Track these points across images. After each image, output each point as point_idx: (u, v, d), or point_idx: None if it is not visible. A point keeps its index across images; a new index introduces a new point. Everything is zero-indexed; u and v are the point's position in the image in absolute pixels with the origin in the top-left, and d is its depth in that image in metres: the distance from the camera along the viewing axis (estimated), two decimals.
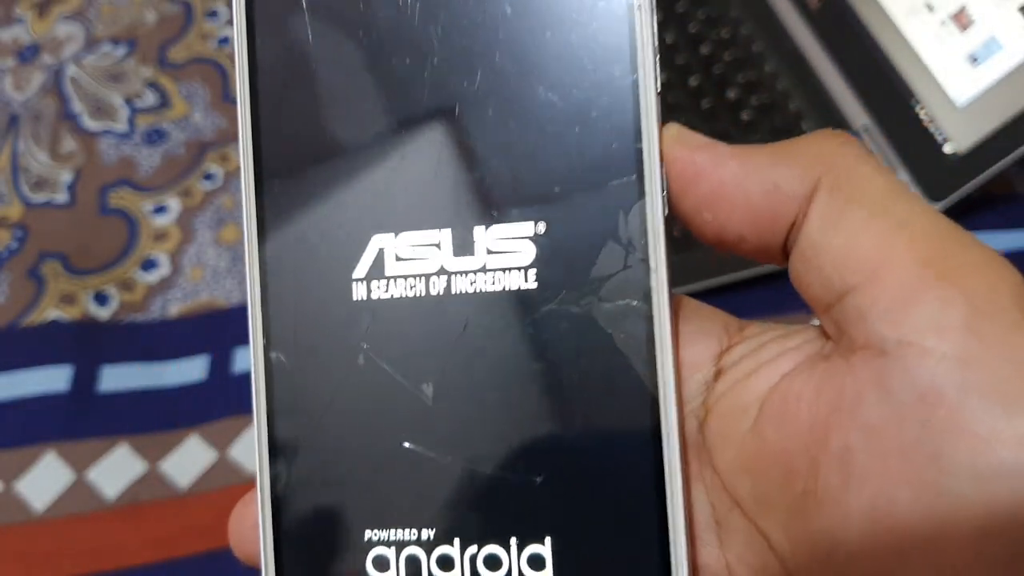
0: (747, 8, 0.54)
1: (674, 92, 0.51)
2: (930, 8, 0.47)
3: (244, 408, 0.44)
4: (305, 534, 0.20)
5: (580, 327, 0.19)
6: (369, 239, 0.20)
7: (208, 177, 0.53)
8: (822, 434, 0.17)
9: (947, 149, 0.46)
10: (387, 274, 0.20)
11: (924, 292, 0.16)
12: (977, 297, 0.16)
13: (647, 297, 0.19)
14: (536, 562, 0.19)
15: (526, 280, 0.19)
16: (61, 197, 0.52)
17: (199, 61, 0.57)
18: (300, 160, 0.20)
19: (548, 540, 0.19)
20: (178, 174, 0.53)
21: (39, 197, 0.53)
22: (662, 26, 0.53)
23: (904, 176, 0.47)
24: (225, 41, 0.58)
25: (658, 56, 0.19)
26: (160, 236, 0.51)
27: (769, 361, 0.19)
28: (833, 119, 0.49)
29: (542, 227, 0.19)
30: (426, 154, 0.20)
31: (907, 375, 0.16)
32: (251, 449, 0.43)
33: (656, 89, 0.19)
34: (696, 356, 0.19)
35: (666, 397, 0.19)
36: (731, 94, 0.51)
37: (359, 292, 0.20)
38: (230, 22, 0.59)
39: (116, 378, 0.46)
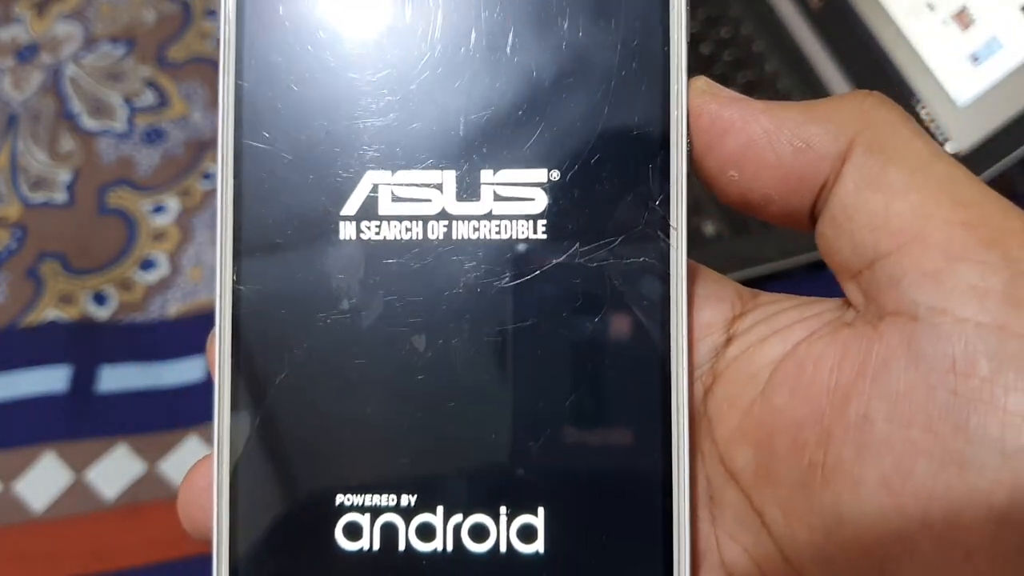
0: (748, 8, 0.54)
1: None
2: (931, 7, 0.47)
3: None
4: (266, 497, 0.18)
5: (591, 284, 0.18)
6: (362, 175, 0.18)
7: (207, 177, 0.53)
8: (840, 402, 0.16)
9: (948, 149, 0.45)
10: (381, 214, 0.18)
11: (965, 256, 0.15)
12: (1021, 264, 0.15)
13: (664, 257, 0.18)
14: (527, 534, 0.18)
15: (535, 231, 0.18)
16: (60, 197, 0.52)
17: (198, 60, 0.57)
18: (288, 76, 0.18)
19: (541, 510, 0.18)
20: (177, 174, 0.53)
21: (38, 197, 0.52)
22: None
23: None
24: None
25: (688, 5, 0.18)
26: (159, 236, 0.51)
27: (784, 328, 0.18)
28: None
29: (556, 175, 0.18)
30: (434, 88, 0.18)
31: (940, 342, 0.15)
32: None
33: (685, 39, 0.18)
34: (707, 320, 0.19)
35: (678, 362, 0.18)
36: None
37: (347, 231, 0.18)
38: None
39: (115, 378, 0.46)
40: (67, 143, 0.54)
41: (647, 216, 0.18)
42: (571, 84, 0.18)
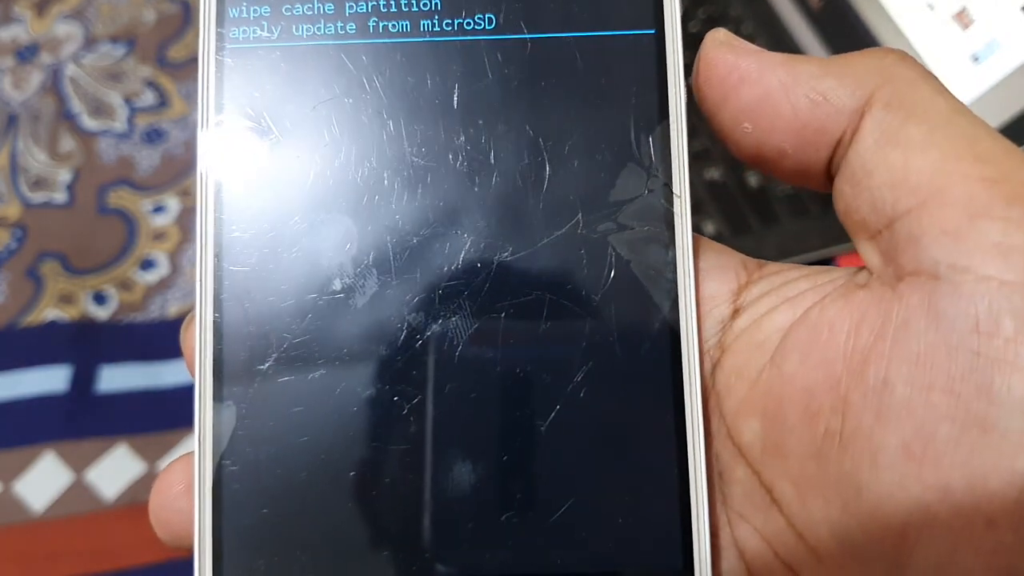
0: (748, 7, 0.54)
1: None
2: (931, 7, 0.47)
3: None
4: (253, 498, 0.17)
5: (595, 254, 0.18)
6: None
7: None
8: (858, 366, 0.15)
9: None
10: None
11: (988, 212, 0.15)
12: None
13: (670, 224, 0.17)
14: (541, 511, 0.17)
15: (538, 203, 0.18)
16: (60, 197, 0.52)
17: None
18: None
19: (553, 487, 0.17)
20: (177, 174, 0.53)
21: (38, 197, 0.52)
22: None
23: None
24: None
25: None
26: (159, 236, 0.51)
27: (795, 297, 0.17)
28: None
29: (553, 145, 0.18)
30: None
31: (962, 301, 0.14)
32: None
33: (680, 5, 0.18)
34: (712, 291, 0.18)
35: (688, 333, 0.17)
36: None
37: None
38: None
39: (115, 378, 0.46)
40: (67, 143, 0.54)
41: (649, 183, 0.18)
42: (567, 49, 0.18)
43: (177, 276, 0.49)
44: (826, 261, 0.44)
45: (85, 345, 0.46)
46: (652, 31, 0.18)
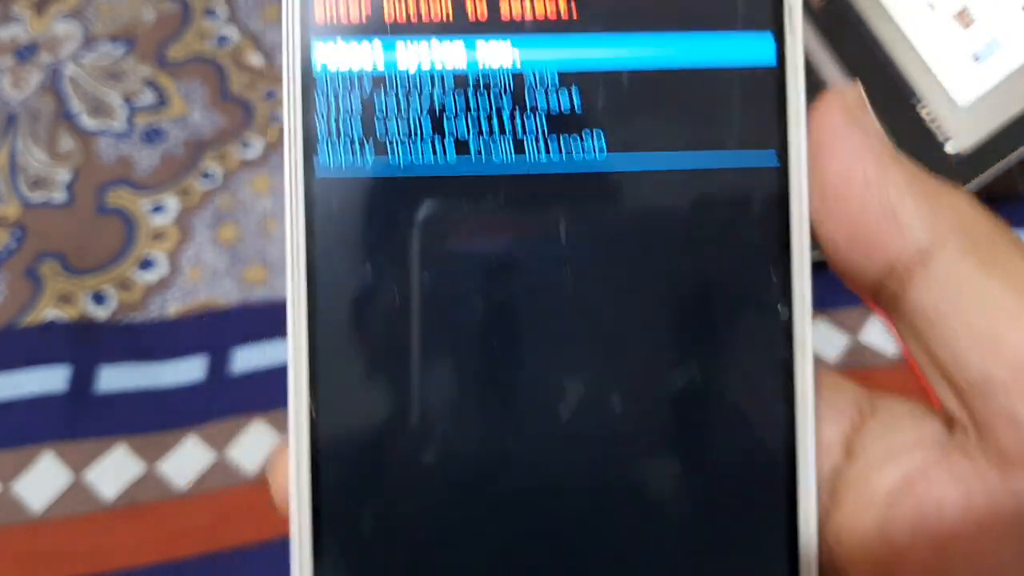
0: None
1: None
2: (932, 7, 0.46)
3: (243, 408, 0.44)
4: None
5: (713, 405, 0.17)
6: None
7: (207, 176, 0.52)
8: (971, 549, 0.15)
9: (949, 149, 0.45)
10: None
11: None
12: None
13: (789, 376, 0.17)
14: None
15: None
16: (59, 196, 0.52)
17: (198, 60, 0.57)
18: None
19: None
20: (176, 173, 0.53)
21: (37, 196, 0.52)
22: None
23: None
24: (224, 40, 0.58)
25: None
26: (158, 236, 0.51)
27: (899, 451, 0.17)
28: None
29: (667, 284, 0.17)
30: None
31: None
32: (250, 449, 0.43)
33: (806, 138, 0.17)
34: (828, 438, 0.17)
35: (806, 496, 0.17)
36: None
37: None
38: (229, 20, 0.58)
39: (114, 378, 0.45)
40: (66, 143, 0.54)
41: (771, 330, 0.17)
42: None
43: (176, 276, 0.49)
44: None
45: (84, 345, 0.46)
46: (776, 165, 0.17)
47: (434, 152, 0.17)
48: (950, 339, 0.15)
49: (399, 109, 0.17)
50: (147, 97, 0.56)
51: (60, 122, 0.55)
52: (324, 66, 0.17)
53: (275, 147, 0.53)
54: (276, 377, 0.45)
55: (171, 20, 0.58)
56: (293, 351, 0.17)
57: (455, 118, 0.17)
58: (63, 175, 0.53)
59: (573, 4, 0.17)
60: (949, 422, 0.17)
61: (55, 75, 0.57)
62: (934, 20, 0.46)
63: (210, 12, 0.59)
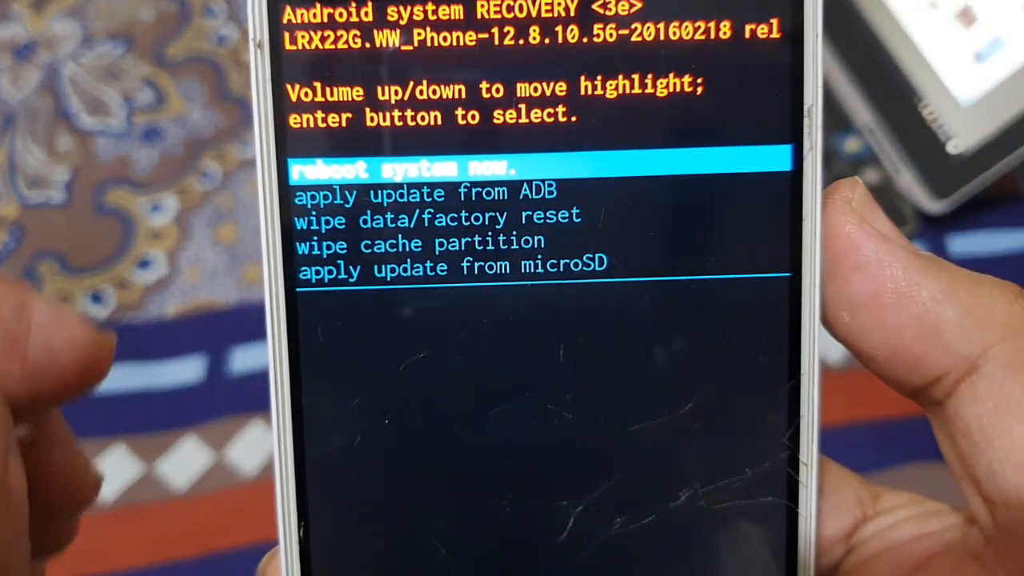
0: None
1: None
2: (934, 6, 0.46)
3: (241, 409, 0.44)
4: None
5: (712, 526, 0.16)
6: None
7: (206, 175, 0.52)
8: None
9: (951, 148, 0.45)
10: None
11: None
12: None
13: (794, 495, 0.16)
14: None
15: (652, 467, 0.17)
16: (58, 196, 0.52)
17: (196, 59, 0.57)
18: None
19: None
20: (175, 172, 0.53)
21: (35, 196, 0.52)
22: None
23: (909, 175, 0.47)
24: (223, 39, 0.58)
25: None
26: (157, 235, 0.50)
27: (900, 547, 0.16)
28: (837, 117, 0.49)
29: (668, 403, 0.17)
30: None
31: None
32: (249, 450, 0.43)
33: (821, 249, 0.16)
34: (831, 533, 0.17)
35: None
36: None
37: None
38: (228, 19, 0.58)
39: (112, 378, 0.45)
40: (65, 142, 0.54)
41: (775, 451, 0.16)
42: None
43: (175, 275, 0.49)
44: None
45: None
46: (788, 274, 0.16)
47: (424, 271, 0.16)
48: (988, 452, 0.15)
49: (385, 225, 0.16)
50: (146, 96, 0.55)
51: (58, 121, 0.55)
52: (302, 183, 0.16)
53: None
54: None
55: (170, 19, 0.58)
56: (281, 499, 0.17)
57: (446, 235, 0.16)
58: (61, 174, 0.53)
59: (574, 117, 0.16)
60: (970, 519, 0.16)
61: (54, 74, 0.56)
62: (936, 19, 0.46)
63: (209, 11, 0.59)
